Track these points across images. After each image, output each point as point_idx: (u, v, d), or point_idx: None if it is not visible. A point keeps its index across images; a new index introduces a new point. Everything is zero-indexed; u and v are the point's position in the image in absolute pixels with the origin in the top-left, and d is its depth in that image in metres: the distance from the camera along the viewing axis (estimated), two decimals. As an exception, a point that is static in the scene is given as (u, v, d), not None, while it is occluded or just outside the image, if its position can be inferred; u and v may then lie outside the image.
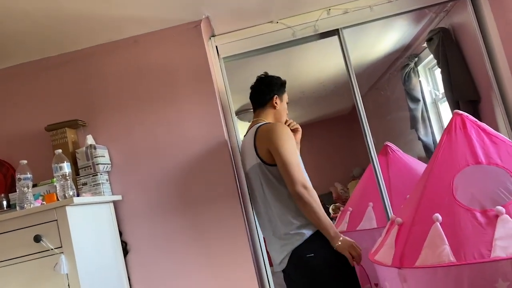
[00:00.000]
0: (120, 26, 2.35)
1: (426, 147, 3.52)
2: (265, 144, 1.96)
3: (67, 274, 1.79)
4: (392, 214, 2.38)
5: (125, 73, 2.47)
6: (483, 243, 1.32)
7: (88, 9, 2.08)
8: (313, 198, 1.82)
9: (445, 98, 3.14)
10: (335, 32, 2.66)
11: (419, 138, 3.55)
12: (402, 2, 2.64)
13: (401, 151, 2.81)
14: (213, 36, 2.66)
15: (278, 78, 2.21)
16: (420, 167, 2.67)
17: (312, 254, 1.85)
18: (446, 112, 3.43)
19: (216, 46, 2.65)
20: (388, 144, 2.82)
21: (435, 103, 3.56)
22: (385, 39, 3.36)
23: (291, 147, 1.91)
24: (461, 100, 2.85)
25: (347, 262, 1.82)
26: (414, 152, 2.93)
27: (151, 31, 2.48)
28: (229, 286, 2.30)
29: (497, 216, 1.36)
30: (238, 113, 4.59)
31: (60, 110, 2.45)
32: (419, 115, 3.51)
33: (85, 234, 1.96)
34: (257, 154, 2.00)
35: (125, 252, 2.34)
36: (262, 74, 2.24)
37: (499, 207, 1.37)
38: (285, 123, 2.31)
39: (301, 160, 2.02)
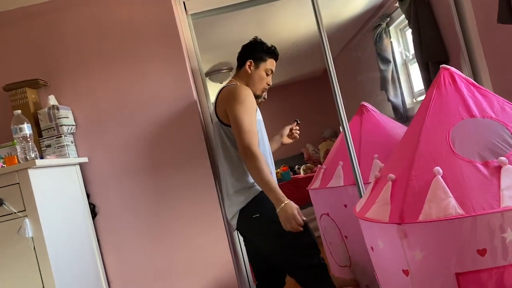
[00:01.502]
0: (80, -20, 2.22)
1: (395, 108, 3.56)
2: (223, 104, 1.97)
3: (32, 237, 1.76)
4: (359, 172, 2.42)
5: (87, 29, 2.36)
6: (490, 194, 1.32)
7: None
8: (259, 161, 1.82)
9: (415, 59, 3.15)
10: (306, -11, 2.59)
11: (389, 100, 3.58)
12: (375, -40, 2.58)
13: (377, 111, 2.82)
14: (180, -9, 2.55)
15: (263, 44, 2.15)
16: (396, 128, 2.69)
17: (258, 215, 1.91)
18: (415, 74, 3.45)
19: (184, 2, 2.54)
20: (364, 104, 2.82)
21: (405, 64, 3.57)
22: (357, -2, 3.31)
23: (245, 110, 1.90)
24: (430, 60, 2.87)
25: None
26: (384, 113, 2.95)
27: (114, -15, 2.36)
28: (200, 247, 2.33)
29: (499, 167, 1.36)
30: (208, 73, 4.51)
31: (19, 69, 2.33)
32: (389, 76, 3.53)
33: (50, 197, 1.93)
34: (216, 113, 2.02)
35: (93, 214, 2.32)
36: (252, 38, 2.20)
37: (502, 158, 1.37)
38: (290, 130, 2.42)
39: (262, 126, 2.07)
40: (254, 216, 1.91)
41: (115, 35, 2.36)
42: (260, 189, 1.89)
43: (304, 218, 1.82)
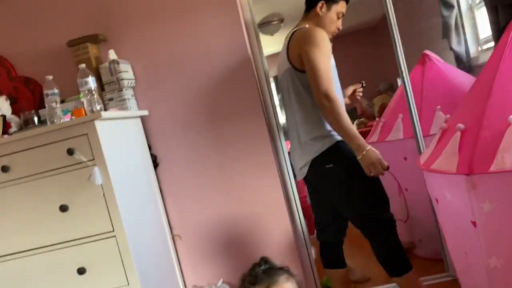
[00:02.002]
0: None
1: (457, 58, 3.35)
2: (296, 49, 1.90)
3: (101, 184, 1.87)
4: (418, 125, 2.33)
5: (143, -17, 2.36)
6: None
7: None
8: (338, 107, 1.77)
9: (482, 3, 2.91)
10: None
11: (451, 48, 3.37)
12: None
13: (441, 60, 2.68)
14: None
15: None
16: (460, 77, 2.55)
17: (331, 165, 1.88)
18: (482, 20, 3.21)
19: (237, -49, 2.47)
20: (427, 53, 2.69)
21: (470, 9, 3.32)
22: None
23: (322, 54, 1.82)
24: (500, 3, 2.64)
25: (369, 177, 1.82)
26: (446, 62, 2.79)
27: None
28: (255, 196, 2.39)
29: None
30: (259, 25, 4.42)
31: (79, 25, 2.39)
32: (452, 22, 3.29)
33: (116, 148, 2.02)
34: (288, 58, 1.95)
35: (155, 164, 2.42)
36: None
37: None
38: (353, 92, 2.31)
39: (335, 71, 1.98)
40: (327, 166, 1.88)
41: (170, -12, 2.34)
42: (336, 139, 1.86)
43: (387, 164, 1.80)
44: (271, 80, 7.97)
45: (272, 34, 4.60)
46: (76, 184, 1.90)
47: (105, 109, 2.25)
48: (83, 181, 1.88)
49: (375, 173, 1.78)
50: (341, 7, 2.05)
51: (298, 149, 2.01)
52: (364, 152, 1.76)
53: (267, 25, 4.48)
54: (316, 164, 1.92)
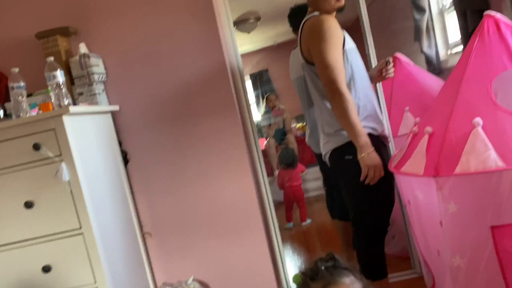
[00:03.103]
0: None
1: (428, 60, 3.44)
2: (306, 43, 1.87)
3: (68, 181, 1.82)
4: (388, 125, 2.38)
5: (116, -24, 2.31)
6: None
7: None
8: (344, 102, 1.72)
9: (452, 8, 2.99)
10: None
11: (422, 51, 3.45)
12: None
13: (411, 62, 2.73)
14: None
15: None
16: (429, 79, 2.61)
17: (351, 157, 1.83)
18: (452, 24, 3.30)
19: None
20: (397, 55, 2.73)
21: (441, 13, 3.41)
22: None
23: (328, 45, 1.76)
24: (469, 9, 2.71)
25: (389, 173, 1.80)
26: (416, 65, 2.86)
27: None
28: (226, 195, 2.38)
29: None
30: (235, 23, 4.41)
31: (50, 17, 2.32)
32: (423, 26, 3.38)
33: (85, 143, 1.97)
34: (301, 53, 1.92)
35: (125, 161, 2.38)
36: None
37: None
38: (380, 72, 2.15)
39: (357, 54, 1.92)
40: (346, 157, 1.86)
41: (143, -19, 2.30)
42: None
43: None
44: (248, 77, 8.01)
45: (248, 32, 4.60)
46: (42, 180, 1.84)
47: (75, 104, 2.20)
48: (50, 177, 1.83)
49: (371, 177, 1.77)
50: None
51: (323, 137, 1.99)
52: (368, 153, 1.75)
53: (243, 23, 4.48)
54: (336, 154, 1.92)
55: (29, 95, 2.10)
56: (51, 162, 1.83)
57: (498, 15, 1.60)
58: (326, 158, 2.01)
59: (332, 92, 1.75)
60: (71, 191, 1.83)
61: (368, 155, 1.74)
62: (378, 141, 1.88)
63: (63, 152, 1.82)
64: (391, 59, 2.18)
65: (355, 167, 1.81)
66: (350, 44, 1.91)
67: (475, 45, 1.58)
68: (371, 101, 1.93)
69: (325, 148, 1.99)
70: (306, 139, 2.40)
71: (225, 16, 2.45)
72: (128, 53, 2.34)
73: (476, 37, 1.60)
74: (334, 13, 1.92)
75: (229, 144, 2.36)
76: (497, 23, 1.58)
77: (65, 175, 1.81)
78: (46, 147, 1.82)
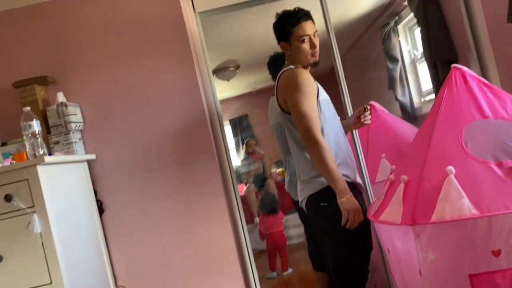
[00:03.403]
0: (89, -23, 2.21)
1: (403, 107, 3.55)
2: (282, 93, 1.93)
3: (40, 233, 1.76)
4: (366, 172, 2.41)
5: (96, 26, 2.36)
6: (505, 195, 1.31)
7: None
8: (320, 148, 1.77)
9: (423, 58, 3.13)
10: (315, -13, 2.58)
11: (397, 99, 3.57)
12: (384, -42, 2.56)
13: (386, 110, 2.81)
14: (189, -11, 2.54)
15: (281, 20, 1.98)
16: (404, 127, 2.68)
17: (326, 204, 1.86)
18: (424, 73, 3.44)
19: (192, 0, 2.54)
20: (372, 103, 2.81)
21: (413, 63, 3.56)
22: (366, -4, 3.29)
23: (303, 95, 1.83)
24: (439, 59, 2.85)
25: (366, 218, 1.81)
26: (391, 112, 2.94)
27: (123, -18, 2.35)
28: (205, 244, 2.33)
29: None
30: (215, 71, 4.51)
31: (28, 66, 2.33)
32: (397, 75, 3.51)
33: (59, 194, 1.93)
34: (278, 102, 1.98)
35: (101, 211, 2.32)
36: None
37: None
38: (358, 118, 2.18)
39: (330, 105, 1.99)
40: (322, 204, 1.88)
41: (124, 33, 2.35)
42: None
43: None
44: (228, 123, 8.08)
45: (228, 80, 4.70)
46: (13, 233, 1.78)
47: (50, 153, 2.17)
48: (21, 229, 1.78)
49: (351, 221, 1.78)
50: (300, 31, 1.93)
51: (300, 184, 2.01)
52: (348, 197, 1.77)
53: (223, 71, 4.58)
54: (312, 201, 1.93)
55: (3, 144, 2.07)
56: (23, 213, 1.78)
57: (464, 68, 1.67)
58: (303, 205, 2.01)
59: (308, 140, 1.80)
60: (42, 244, 1.77)
61: (347, 200, 1.77)
62: (353, 188, 1.91)
63: (35, 203, 1.77)
64: (368, 106, 2.24)
65: (331, 214, 1.82)
66: (324, 95, 1.99)
67: (444, 96, 1.64)
68: (343, 149, 1.97)
69: (301, 195, 2.00)
70: (285, 185, 2.41)
71: (204, 65, 2.50)
72: (106, 102, 2.35)
73: (445, 89, 1.66)
74: (309, 68, 2.01)
75: (207, 192, 2.34)
76: (463, 75, 1.65)
77: (37, 227, 1.75)
78: (18, 198, 1.77)
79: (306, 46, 1.93)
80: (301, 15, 1.94)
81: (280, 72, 1.99)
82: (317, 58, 1.98)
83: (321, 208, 1.89)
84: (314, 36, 1.95)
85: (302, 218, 2.53)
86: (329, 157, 1.78)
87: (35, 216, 1.76)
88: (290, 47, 1.96)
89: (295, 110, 1.84)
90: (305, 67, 1.98)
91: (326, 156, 1.77)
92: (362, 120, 2.20)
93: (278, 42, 2.01)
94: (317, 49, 1.96)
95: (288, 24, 1.94)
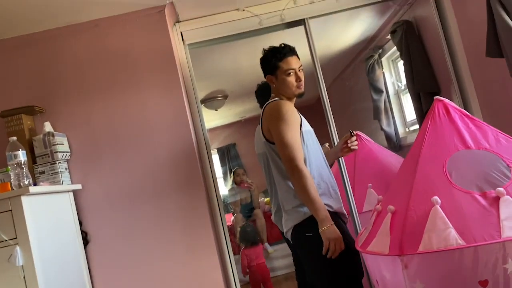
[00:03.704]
0: (80, 9, 2.25)
1: (388, 137, 3.60)
2: (267, 123, 1.97)
3: (22, 266, 1.72)
4: (353, 202, 2.42)
5: (85, 58, 2.38)
6: (490, 225, 1.32)
7: (45, -11, 1.98)
8: (303, 178, 1.80)
9: (407, 90, 3.21)
10: (301, 22, 2.66)
11: (382, 129, 3.62)
12: (367, -6, 2.66)
13: (371, 140, 2.84)
14: (178, 22, 2.60)
15: (268, 55, 2.05)
16: (389, 157, 2.71)
17: (311, 234, 1.85)
18: (408, 104, 3.51)
19: (181, 32, 2.59)
20: (358, 133, 2.85)
21: (397, 94, 3.64)
22: (350, 30, 3.39)
23: (287, 126, 1.88)
24: (422, 91, 2.93)
25: (352, 246, 1.82)
26: (377, 142, 2.98)
27: (113, 15, 2.39)
28: (192, 276, 2.29)
29: (498, 198, 1.37)
30: (204, 101, 4.54)
31: (16, 96, 2.34)
32: (382, 106, 3.58)
33: (43, 225, 1.90)
34: (262, 132, 2.01)
35: (86, 242, 2.28)
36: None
37: (500, 189, 1.38)
38: (345, 144, 2.22)
39: (313, 136, 2.03)
40: (307, 234, 1.88)
41: (113, 63, 2.38)
42: None
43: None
44: (216, 152, 8.07)
45: (216, 109, 4.73)
46: (-6, 265, 1.73)
47: (35, 183, 2.14)
48: (3, 262, 1.74)
49: (332, 250, 1.78)
50: (285, 65, 2.00)
51: (284, 214, 2.00)
52: (329, 226, 1.79)
53: (211, 100, 4.61)
54: (297, 231, 1.93)
55: (-13, 174, 2.04)
56: (5, 245, 1.74)
57: (446, 100, 1.72)
58: (288, 236, 2.00)
59: (291, 169, 1.83)
60: (24, 277, 1.73)
61: (328, 229, 1.79)
62: (336, 217, 1.92)
63: (18, 235, 1.74)
64: (354, 132, 2.27)
65: (317, 243, 1.82)
66: (307, 126, 2.04)
67: (428, 127, 1.67)
68: (326, 180, 2.00)
69: (286, 225, 1.99)
70: (272, 216, 2.39)
71: (193, 95, 2.53)
72: (94, 131, 2.35)
73: (429, 120, 1.70)
74: (295, 99, 2.07)
75: (194, 222, 2.32)
76: (446, 107, 1.69)
77: (19, 259, 1.71)
78: (1, 229, 1.74)
79: (291, 79, 2.01)
80: (286, 50, 2.03)
81: (266, 103, 2.05)
82: (303, 90, 2.05)
83: (307, 238, 1.89)
84: (299, 70, 2.03)
85: (290, 248, 2.51)
86: (312, 186, 1.81)
87: (18, 249, 1.73)
88: (276, 80, 2.04)
89: (278, 139, 1.88)
90: (290, 99, 2.05)
91: (308, 185, 1.80)
92: (349, 145, 2.24)
93: (265, 75, 2.08)
94: (302, 82, 2.03)
95: (275, 58, 2.02)
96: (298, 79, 2.02)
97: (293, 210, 1.93)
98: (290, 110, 1.94)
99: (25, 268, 1.73)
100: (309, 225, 1.86)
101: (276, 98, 2.04)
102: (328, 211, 1.85)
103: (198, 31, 2.62)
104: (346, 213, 2.04)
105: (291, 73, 2.01)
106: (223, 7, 2.60)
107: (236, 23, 2.64)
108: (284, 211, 2.00)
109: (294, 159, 1.83)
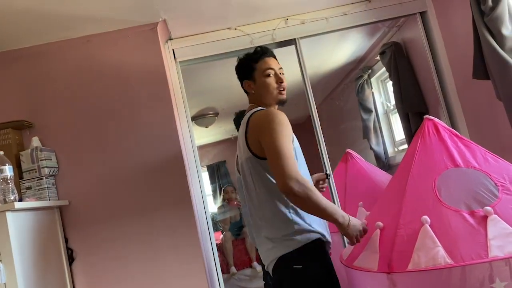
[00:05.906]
0: (72, 25, 2.26)
1: (377, 156, 3.62)
2: (255, 135, 1.67)
3: (5, 283, 1.68)
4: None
5: (76, 74, 2.38)
6: (478, 244, 1.33)
7: (37, 4, 1.99)
8: (309, 189, 1.52)
9: (396, 110, 3.25)
10: (292, 41, 2.70)
11: (371, 148, 3.65)
12: (357, 16, 2.71)
13: (362, 158, 2.84)
14: (170, 39, 2.62)
15: (244, 59, 1.83)
16: (380, 175, 2.72)
17: (300, 266, 1.60)
18: (397, 123, 3.55)
19: (173, 50, 2.61)
20: (349, 151, 2.86)
21: (386, 114, 3.68)
22: (340, 50, 3.44)
23: (282, 136, 1.59)
24: (410, 111, 2.97)
25: (337, 281, 1.62)
26: (366, 161, 3.01)
27: (105, 31, 2.40)
28: (180, 295, 2.25)
29: (485, 217, 1.38)
30: (195, 118, 4.55)
31: (4, 110, 2.31)
32: (371, 125, 3.62)
33: (27, 241, 1.86)
34: (248, 147, 1.71)
35: (71, 259, 2.23)
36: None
37: (488, 208, 1.39)
38: (318, 183, 2.00)
39: (300, 153, 1.77)
40: (295, 266, 1.60)
41: (104, 80, 2.38)
42: (310, 238, 1.61)
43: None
44: (205, 169, 8.05)
45: (206, 126, 4.74)
46: (-25, 283, 1.69)
47: (21, 198, 2.11)
48: (-16, 279, 1.68)
49: (359, 240, 1.58)
50: (263, 66, 1.78)
51: (266, 243, 1.70)
52: (349, 222, 1.55)
53: (202, 117, 4.62)
54: (283, 262, 1.63)
55: (-28, 189, 2.00)
56: (-12, 262, 1.69)
57: (436, 119, 1.75)
58: (270, 269, 1.69)
59: (292, 181, 1.52)
60: (6, 295, 1.68)
61: (352, 222, 1.56)
62: (327, 247, 1.69)
63: (2, 252, 1.70)
64: (329, 173, 2.07)
65: (305, 278, 1.59)
66: (297, 142, 1.79)
67: (418, 145, 1.70)
68: None
69: (269, 255, 1.67)
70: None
71: (183, 112, 2.53)
72: (82, 147, 2.33)
73: (419, 138, 1.72)
74: (276, 107, 1.82)
75: (182, 239, 2.29)
76: (436, 126, 1.72)
77: (2, 276, 1.67)
78: (-16, 246, 1.69)
79: (271, 80, 1.77)
80: (264, 51, 1.81)
81: (248, 114, 1.76)
82: (285, 96, 1.81)
83: (294, 271, 1.61)
84: (280, 73, 1.79)
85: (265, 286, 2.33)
86: (318, 194, 1.54)
87: (1, 265, 1.68)
88: (254, 85, 1.79)
89: (274, 152, 1.58)
90: (271, 106, 1.79)
91: (315, 194, 1.53)
92: (320, 185, 2.03)
93: (241, 83, 1.83)
94: (284, 85, 1.79)
95: (251, 60, 1.80)
96: (279, 80, 1.78)
97: (283, 239, 1.63)
98: (285, 121, 1.66)
99: (7, 285, 1.69)
100: (299, 256, 1.61)
101: (259, 107, 1.77)
102: (321, 240, 1.64)
103: (190, 49, 2.65)
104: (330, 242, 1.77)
105: (271, 74, 1.76)
106: (215, 26, 2.63)
107: (227, 42, 2.67)
108: (268, 239, 1.68)
109: (294, 171, 1.53)
